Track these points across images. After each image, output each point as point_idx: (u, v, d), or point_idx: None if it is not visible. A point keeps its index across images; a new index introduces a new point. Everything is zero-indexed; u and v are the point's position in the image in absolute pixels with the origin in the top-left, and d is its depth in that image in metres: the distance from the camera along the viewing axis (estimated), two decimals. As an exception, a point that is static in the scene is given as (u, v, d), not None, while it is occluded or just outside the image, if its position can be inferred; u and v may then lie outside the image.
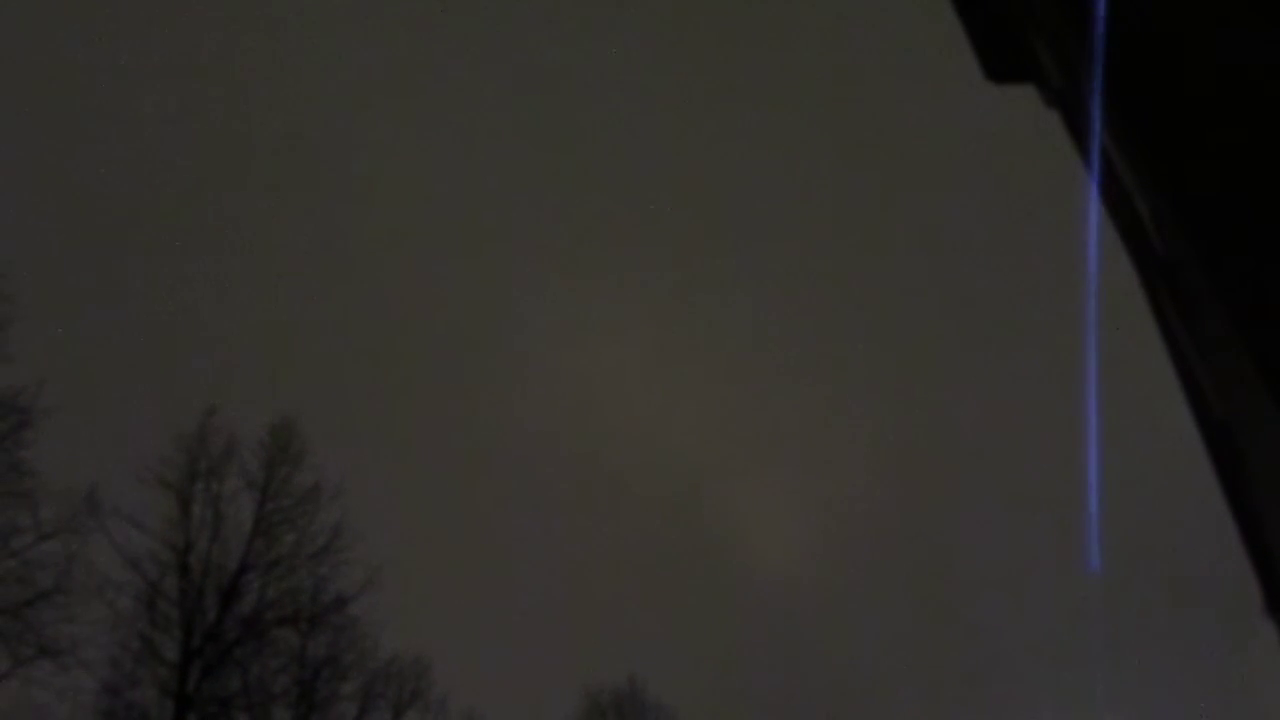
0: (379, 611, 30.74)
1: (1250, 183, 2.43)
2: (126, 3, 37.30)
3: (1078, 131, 2.99)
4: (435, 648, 31.72)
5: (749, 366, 46.31)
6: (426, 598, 33.60)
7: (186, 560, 28.44)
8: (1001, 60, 3.29)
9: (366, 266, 43.25)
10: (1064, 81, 3.03)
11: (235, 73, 39.95)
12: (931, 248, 43.93)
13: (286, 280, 41.08)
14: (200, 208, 40.07)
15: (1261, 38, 2.51)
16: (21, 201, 32.93)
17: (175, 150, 39.58)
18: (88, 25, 36.24)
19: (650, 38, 42.39)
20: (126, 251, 37.62)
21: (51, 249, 33.89)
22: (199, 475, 29.39)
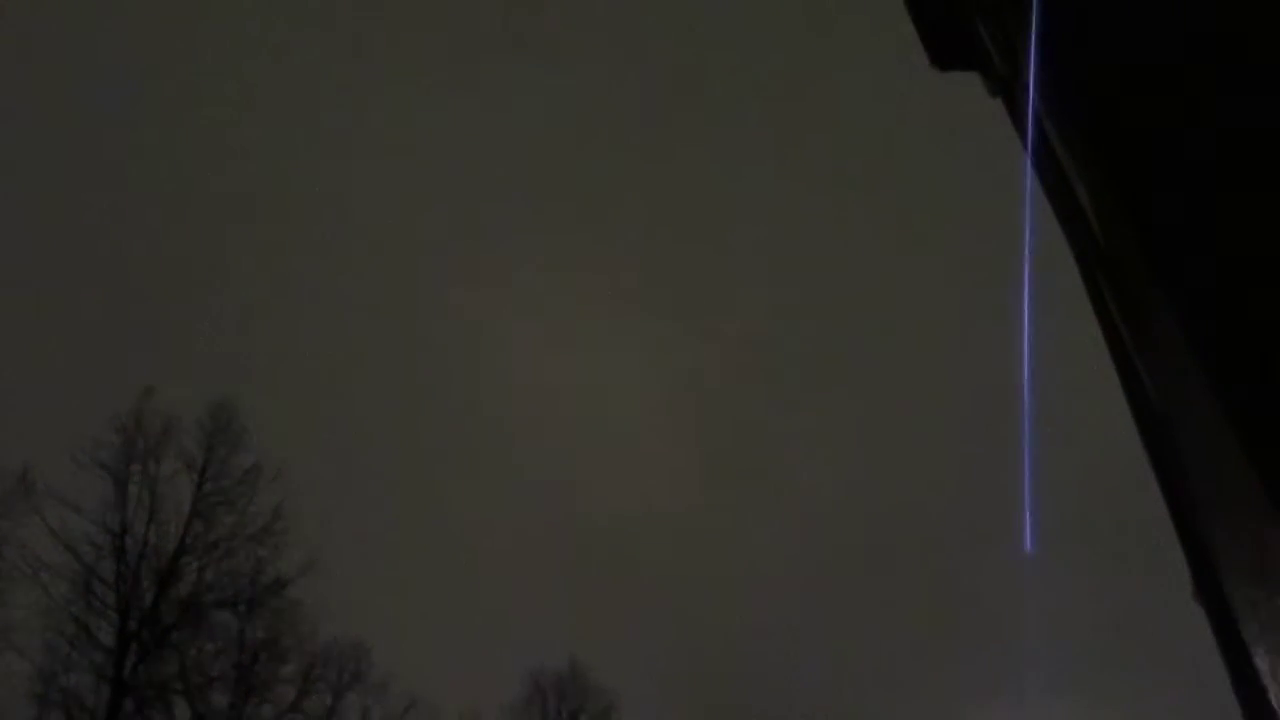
0: (318, 595, 30.52)
1: (1193, 174, 2.44)
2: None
3: (1020, 120, 2.99)
4: (376, 631, 31.60)
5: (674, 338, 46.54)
6: (367, 581, 33.42)
7: (123, 543, 28.10)
8: (946, 47, 3.28)
9: (310, 249, 42.89)
10: (1007, 68, 3.03)
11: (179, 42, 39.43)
12: (882, 238, 44.23)
13: (228, 261, 40.67)
14: (141, 187, 39.48)
15: (1205, 24, 2.52)
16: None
17: (120, 128, 38.90)
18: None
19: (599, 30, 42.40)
20: (61, 231, 37.06)
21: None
22: (136, 456, 29.06)
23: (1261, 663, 2.56)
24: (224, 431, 30.57)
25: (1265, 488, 2.20)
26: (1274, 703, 2.50)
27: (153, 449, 29.33)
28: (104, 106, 37.85)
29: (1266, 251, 2.29)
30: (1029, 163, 2.98)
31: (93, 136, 38.52)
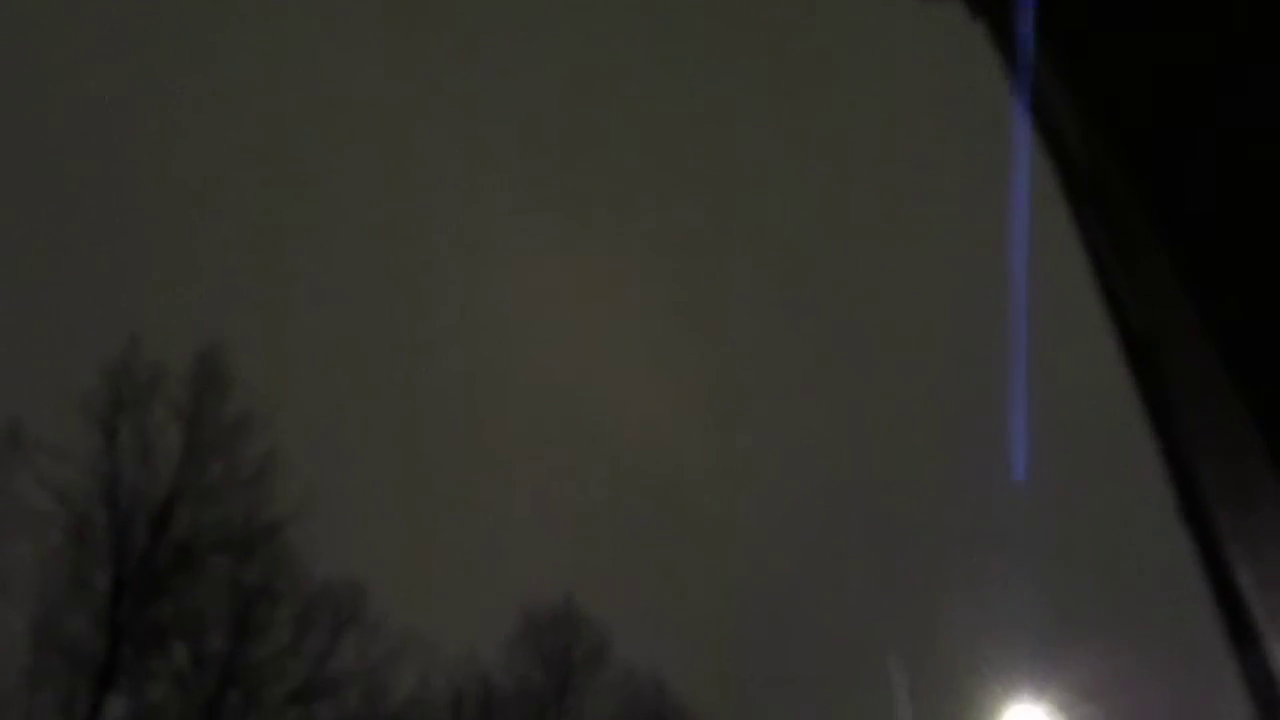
0: (313, 537, 30.72)
1: (1181, 99, 2.41)
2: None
3: (1004, 43, 2.94)
4: (371, 572, 31.80)
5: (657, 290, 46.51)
6: (361, 523, 33.60)
7: (115, 491, 28.13)
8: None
9: (302, 189, 42.62)
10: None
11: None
12: (867, 166, 44.06)
13: (217, 208, 40.41)
14: (126, 132, 39.11)
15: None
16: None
17: (106, 80, 38.45)
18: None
19: None
20: (43, 179, 36.75)
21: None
22: (125, 405, 28.99)
23: (1244, 580, 2.58)
24: (213, 378, 30.54)
25: (1251, 415, 2.21)
26: (1256, 621, 2.52)
27: (141, 397, 29.30)
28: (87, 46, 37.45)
29: (1259, 181, 2.27)
30: (1018, 88, 2.93)
31: (76, 76, 38.13)
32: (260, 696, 29.50)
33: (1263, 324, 2.24)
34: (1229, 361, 2.28)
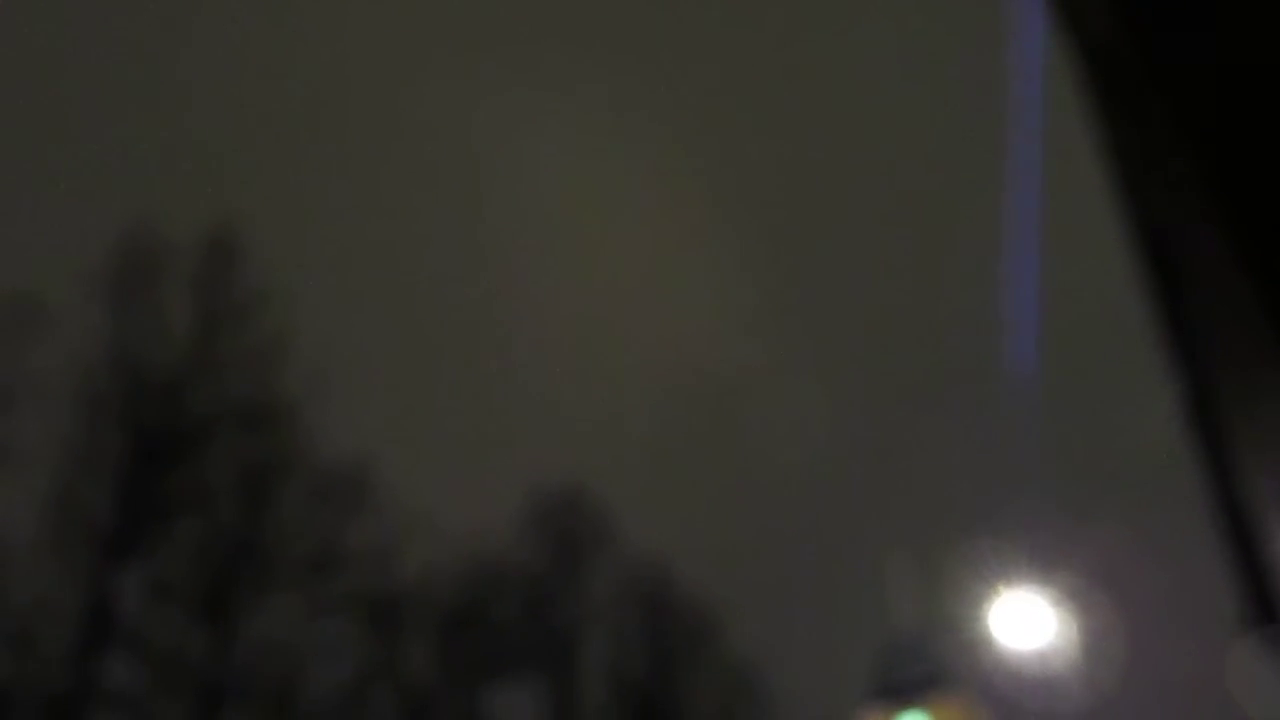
0: (324, 414, 30.98)
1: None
2: None
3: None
4: (381, 451, 32.10)
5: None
6: (372, 402, 33.86)
7: (128, 364, 28.28)
8: None
9: (319, 67, 42.13)
10: None
11: None
12: (870, 53, 43.41)
13: (236, 85, 40.00)
14: (145, 7, 38.59)
15: None
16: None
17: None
18: None
19: None
20: (55, 55, 36.33)
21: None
22: (137, 278, 29.01)
23: (1247, 475, 2.60)
24: (225, 252, 30.51)
25: (1264, 308, 2.19)
26: (1255, 516, 2.55)
27: (154, 270, 29.30)
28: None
29: (1266, 59, 2.23)
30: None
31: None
32: (271, 569, 29.97)
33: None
34: (1247, 259, 2.27)
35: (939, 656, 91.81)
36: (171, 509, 28.64)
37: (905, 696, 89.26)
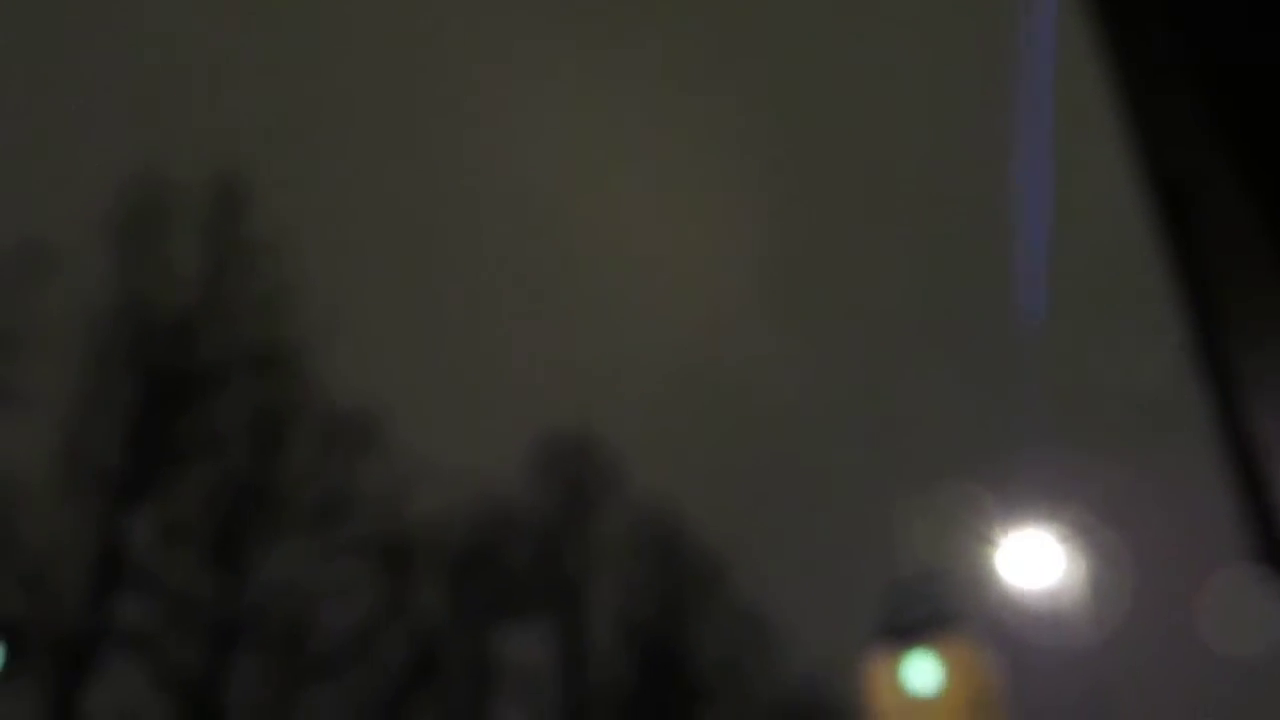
0: (333, 361, 31.07)
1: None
2: None
3: None
4: (391, 397, 32.19)
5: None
6: (381, 345, 33.91)
7: (137, 309, 28.33)
8: None
9: (333, 16, 41.85)
10: None
11: None
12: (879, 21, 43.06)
13: (239, 28, 39.73)
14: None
15: None
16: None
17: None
18: None
19: None
20: (73, 4, 36.11)
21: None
22: (145, 223, 28.99)
23: (1256, 417, 2.61)
24: (232, 198, 30.46)
25: (1270, 237, 2.18)
26: (1263, 458, 2.55)
27: (161, 215, 29.27)
28: None
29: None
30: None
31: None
32: (282, 512, 30.16)
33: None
34: (1262, 210, 2.26)
35: (946, 596, 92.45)
36: (182, 453, 28.80)
37: (912, 637, 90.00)
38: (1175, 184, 2.76)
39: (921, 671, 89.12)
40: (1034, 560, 23.01)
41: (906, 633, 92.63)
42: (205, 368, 28.93)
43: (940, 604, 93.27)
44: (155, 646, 27.46)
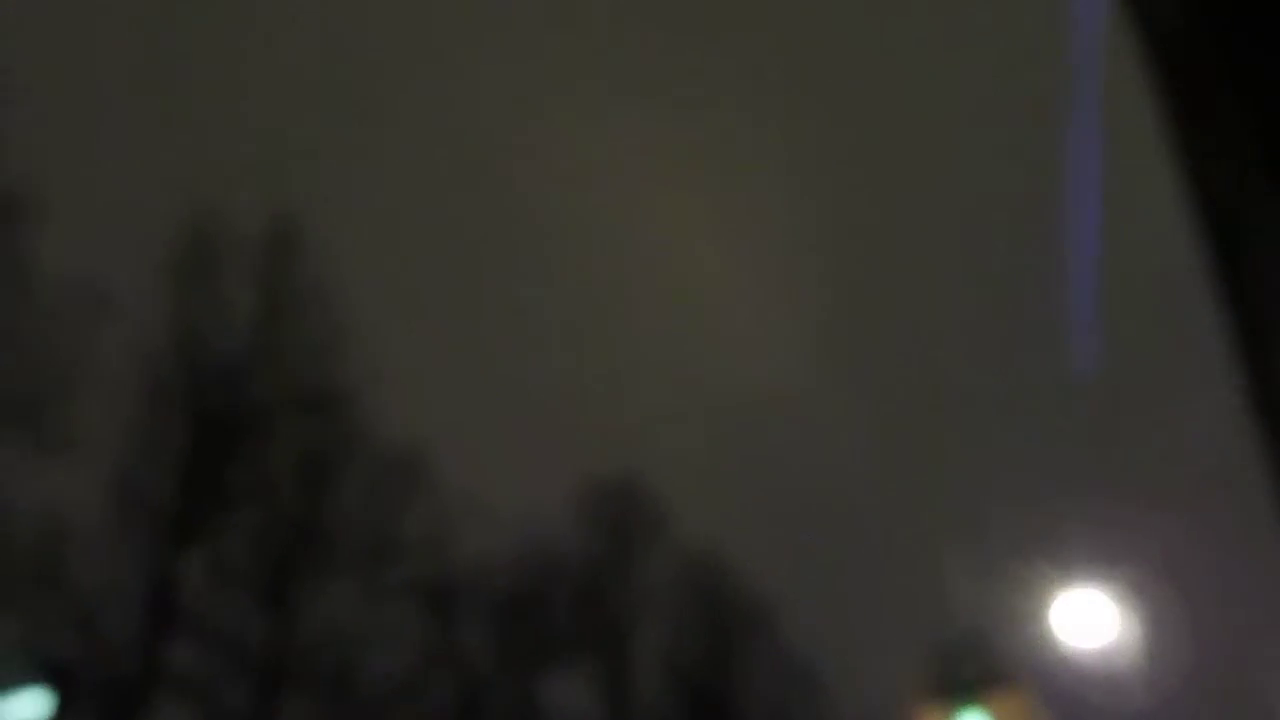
0: (380, 402, 31.24)
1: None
2: None
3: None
4: (437, 438, 32.25)
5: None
6: (427, 388, 34.03)
7: (190, 352, 28.67)
8: None
9: (385, 55, 42.35)
10: None
11: None
12: (914, 27, 43.04)
13: (300, 73, 40.31)
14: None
15: None
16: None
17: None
18: None
19: None
20: (127, 44, 36.81)
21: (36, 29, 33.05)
22: (199, 268, 29.38)
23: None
24: (287, 243, 30.82)
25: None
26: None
27: (216, 260, 29.65)
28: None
29: None
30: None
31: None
32: (330, 556, 30.29)
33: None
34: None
35: (998, 653, 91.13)
36: (232, 496, 29.02)
37: (964, 694, 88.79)
38: (1226, 219, 2.73)
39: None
40: (1088, 618, 22.67)
41: (957, 689, 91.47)
42: (255, 410, 29.18)
43: (991, 661, 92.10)
44: (204, 689, 27.57)
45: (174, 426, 28.19)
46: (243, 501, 29.34)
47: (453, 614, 33.46)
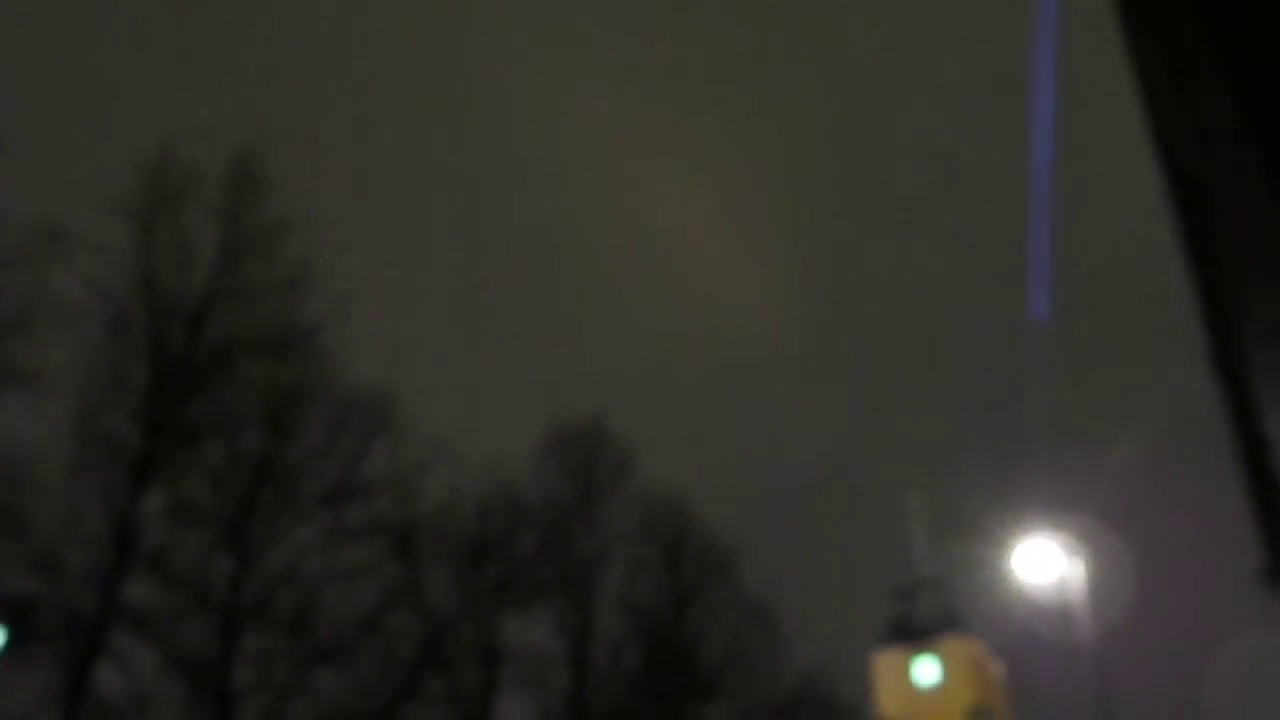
0: (347, 342, 31.13)
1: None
2: None
3: None
4: (403, 380, 32.23)
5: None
6: (394, 330, 33.99)
7: (152, 289, 28.38)
8: None
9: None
10: None
11: None
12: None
13: (262, 9, 39.78)
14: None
15: None
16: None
17: None
18: None
19: None
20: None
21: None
22: (161, 204, 29.02)
23: (1272, 422, 2.58)
24: (249, 180, 30.48)
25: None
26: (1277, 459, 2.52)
27: (177, 197, 29.29)
28: None
29: None
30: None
31: None
32: (293, 495, 30.24)
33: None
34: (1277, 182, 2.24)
35: (955, 600, 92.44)
36: (195, 434, 28.87)
37: (920, 637, 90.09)
38: (1192, 177, 2.73)
39: (928, 672, 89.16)
40: (1041, 564, 22.96)
41: (914, 633, 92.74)
42: (218, 348, 28.98)
43: (948, 608, 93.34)
44: (165, 627, 27.58)
45: (136, 364, 27.97)
46: (205, 440, 29.21)
47: (416, 555, 33.54)
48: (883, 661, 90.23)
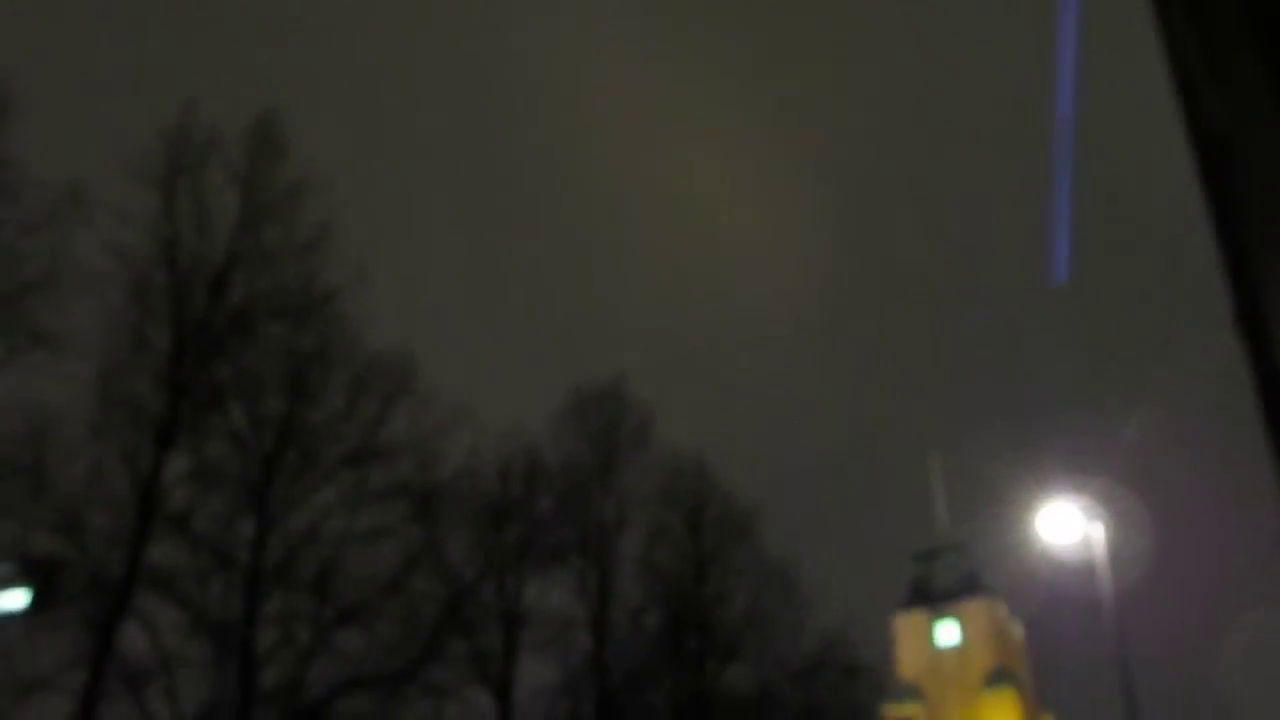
0: (367, 306, 31.16)
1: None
2: None
3: None
4: (424, 344, 32.26)
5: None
6: (415, 294, 34.02)
7: (173, 253, 28.42)
8: None
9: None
10: None
11: None
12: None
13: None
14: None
15: None
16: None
17: None
18: None
19: None
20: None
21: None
22: (182, 168, 29.02)
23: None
24: (269, 143, 30.43)
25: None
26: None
27: (198, 160, 29.28)
28: None
29: None
30: None
31: None
32: (315, 458, 30.37)
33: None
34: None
35: (974, 562, 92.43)
36: (217, 397, 29.00)
37: (940, 602, 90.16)
38: (1220, 139, 2.68)
39: (948, 634, 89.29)
40: (1062, 527, 22.88)
41: (934, 596, 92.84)
42: (239, 312, 29.05)
43: (968, 569, 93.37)
44: (188, 589, 27.80)
45: (158, 328, 28.05)
46: (227, 403, 29.34)
47: (437, 518, 33.68)
48: (903, 624, 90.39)
